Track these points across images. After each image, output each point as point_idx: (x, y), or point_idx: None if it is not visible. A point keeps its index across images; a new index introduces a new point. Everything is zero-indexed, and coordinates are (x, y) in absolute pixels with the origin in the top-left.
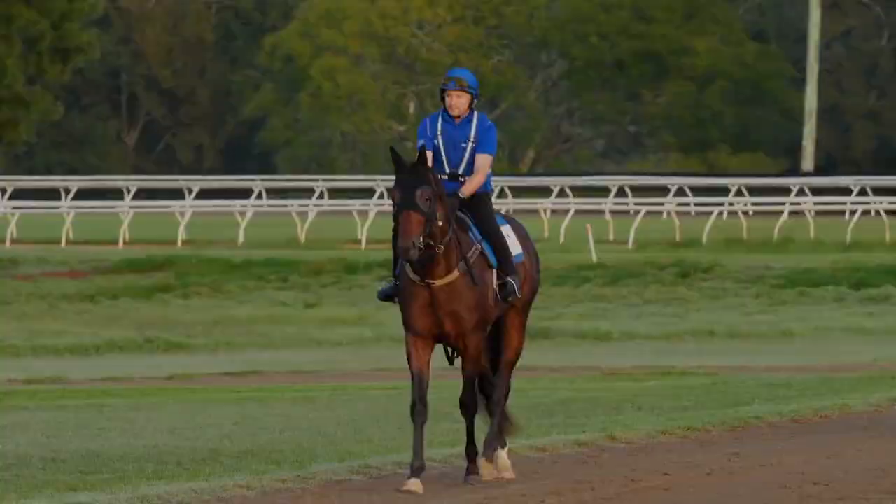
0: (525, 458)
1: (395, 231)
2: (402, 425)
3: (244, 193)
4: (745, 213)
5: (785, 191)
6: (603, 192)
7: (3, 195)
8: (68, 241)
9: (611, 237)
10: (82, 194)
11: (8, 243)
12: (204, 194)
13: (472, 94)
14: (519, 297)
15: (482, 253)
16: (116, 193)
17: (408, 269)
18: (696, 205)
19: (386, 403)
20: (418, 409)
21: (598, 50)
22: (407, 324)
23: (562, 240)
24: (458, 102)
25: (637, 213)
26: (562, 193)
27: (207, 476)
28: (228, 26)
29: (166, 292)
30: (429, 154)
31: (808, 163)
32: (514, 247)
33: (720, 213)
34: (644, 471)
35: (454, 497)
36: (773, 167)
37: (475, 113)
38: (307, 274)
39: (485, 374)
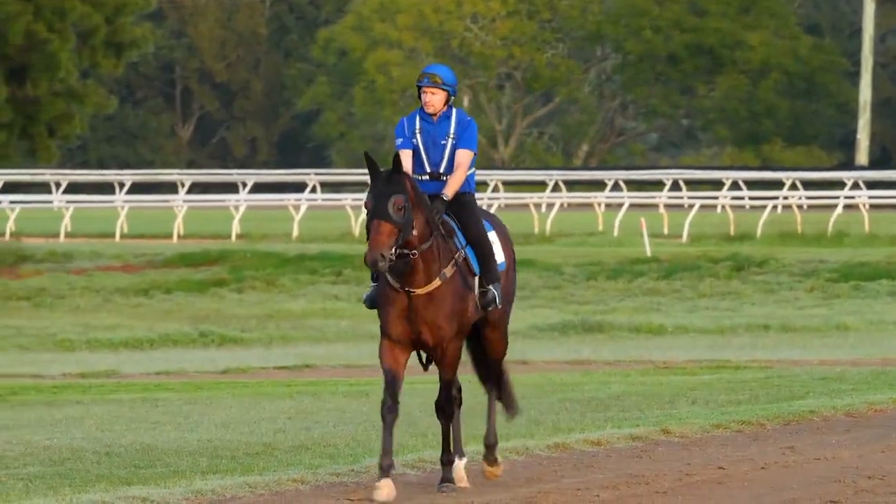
0: (580, 452)
1: (368, 237)
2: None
3: (298, 187)
4: (800, 206)
5: (839, 184)
6: (657, 185)
7: (57, 189)
8: (122, 236)
9: (665, 231)
10: (136, 188)
11: (62, 237)
12: (258, 188)
13: (447, 91)
14: (499, 306)
15: (465, 260)
16: (170, 187)
17: (388, 274)
18: (750, 199)
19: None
20: (388, 405)
21: (652, 44)
22: (384, 329)
23: (616, 233)
24: (433, 100)
25: (691, 206)
26: (616, 187)
27: (261, 470)
28: (282, 20)
29: (220, 286)
30: (408, 153)
31: (862, 156)
32: (499, 254)
33: (774, 207)
34: (698, 465)
35: (504, 491)
36: (827, 161)
37: (453, 109)
38: (361, 268)
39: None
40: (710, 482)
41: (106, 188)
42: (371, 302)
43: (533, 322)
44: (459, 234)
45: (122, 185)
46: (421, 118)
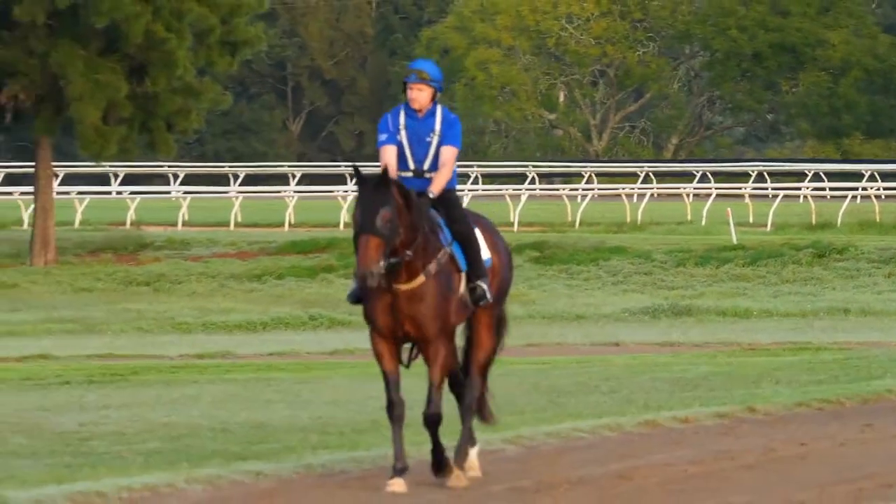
0: (669, 429)
1: (356, 251)
2: (553, 398)
3: None
4: (878, 196)
5: None
6: (743, 177)
7: (175, 181)
8: (236, 225)
9: (750, 220)
10: (249, 180)
11: (180, 226)
12: None
13: (434, 87)
14: (490, 301)
15: (451, 257)
16: (282, 179)
17: None
18: (830, 189)
19: (536, 377)
20: (396, 410)
21: (738, 42)
22: (370, 321)
23: (703, 222)
24: (420, 96)
25: (775, 197)
26: (703, 179)
27: (368, 446)
28: (388, 20)
29: (329, 272)
30: (392, 149)
31: None
32: (485, 250)
33: (854, 198)
34: (781, 441)
35: (598, 466)
36: None
37: (438, 106)
38: None
39: (455, 374)
40: (792, 458)
41: (221, 180)
42: (354, 298)
43: (625, 306)
44: (446, 230)
45: (236, 176)
46: (406, 114)
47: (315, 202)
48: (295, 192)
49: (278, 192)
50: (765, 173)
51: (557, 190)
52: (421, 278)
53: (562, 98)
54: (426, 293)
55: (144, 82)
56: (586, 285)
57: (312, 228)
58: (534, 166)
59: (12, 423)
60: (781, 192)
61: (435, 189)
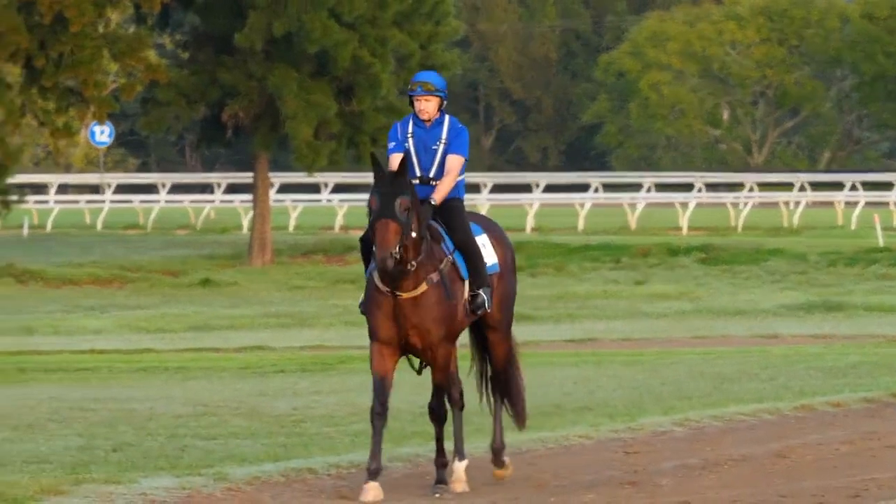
0: (821, 413)
1: (369, 239)
2: (717, 385)
3: (583, 188)
4: None
5: None
6: (888, 186)
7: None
8: None
9: (895, 225)
10: None
11: None
12: (549, 189)
13: (440, 96)
14: (489, 310)
15: (453, 265)
16: (474, 188)
17: (376, 277)
18: None
19: (702, 366)
20: (377, 411)
21: (885, 66)
22: (372, 332)
23: (853, 227)
24: (427, 107)
25: None
26: (853, 188)
27: (552, 428)
28: (570, 46)
29: (517, 272)
30: (399, 157)
31: None
32: (490, 257)
33: None
34: None
35: (758, 445)
36: None
37: (446, 116)
38: (636, 256)
39: (454, 380)
40: None
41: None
42: (365, 307)
43: (782, 302)
44: (447, 239)
45: None
46: (414, 123)
47: (504, 209)
48: (486, 199)
49: (471, 199)
50: None
51: (722, 198)
52: (424, 286)
53: (725, 116)
54: (429, 301)
55: (351, 102)
56: (747, 283)
57: None
58: (700, 177)
59: (233, 408)
60: None
61: (437, 196)
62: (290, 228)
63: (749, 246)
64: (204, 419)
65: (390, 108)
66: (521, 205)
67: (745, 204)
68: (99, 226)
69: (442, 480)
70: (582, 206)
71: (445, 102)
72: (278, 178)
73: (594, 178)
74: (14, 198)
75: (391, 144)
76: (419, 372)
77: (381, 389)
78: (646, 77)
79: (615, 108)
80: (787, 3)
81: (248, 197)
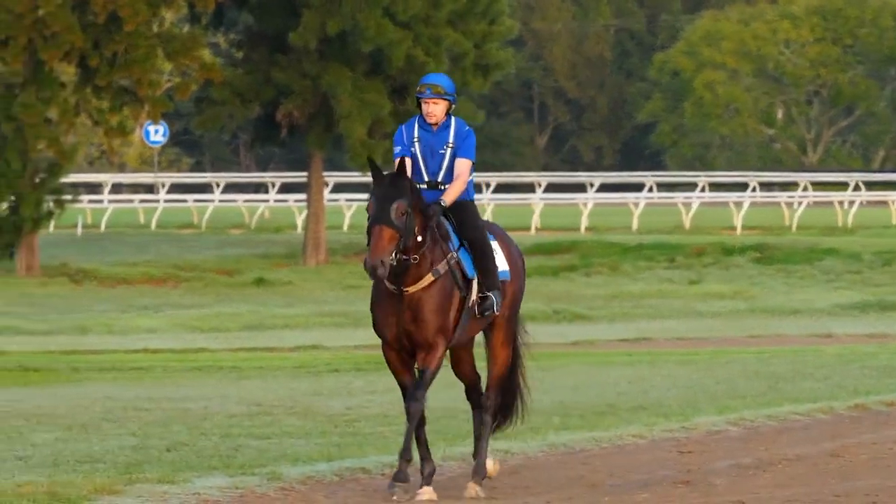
0: (876, 412)
1: (368, 242)
2: (772, 384)
3: (637, 187)
4: None
5: None
6: None
7: None
8: None
9: None
10: (500, 188)
11: None
12: (603, 188)
13: (449, 100)
14: (497, 313)
15: (457, 262)
16: (528, 188)
17: None
18: None
19: (757, 365)
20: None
21: None
22: (378, 333)
23: None
24: (435, 110)
25: None
26: None
27: (606, 427)
28: (624, 45)
29: (571, 271)
30: (407, 161)
31: None
32: (502, 263)
33: None
34: None
35: (812, 445)
36: None
37: (452, 118)
38: (690, 255)
39: (473, 380)
40: None
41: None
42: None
43: (836, 301)
44: (454, 237)
45: (488, 185)
46: (420, 126)
47: (558, 208)
48: (541, 199)
49: (526, 199)
50: None
51: (776, 197)
52: (427, 279)
53: (780, 115)
54: (430, 294)
55: (405, 101)
56: (802, 283)
57: (556, 232)
58: (755, 176)
59: (287, 406)
60: None
61: (448, 199)
62: (345, 228)
63: (803, 245)
64: (258, 418)
65: None
66: (575, 204)
67: (800, 203)
68: (153, 225)
69: (402, 479)
70: (636, 205)
71: (454, 107)
72: (332, 178)
73: (648, 178)
74: (68, 197)
75: (397, 148)
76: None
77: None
78: (700, 76)
79: (669, 108)
80: (842, 3)
81: (302, 196)
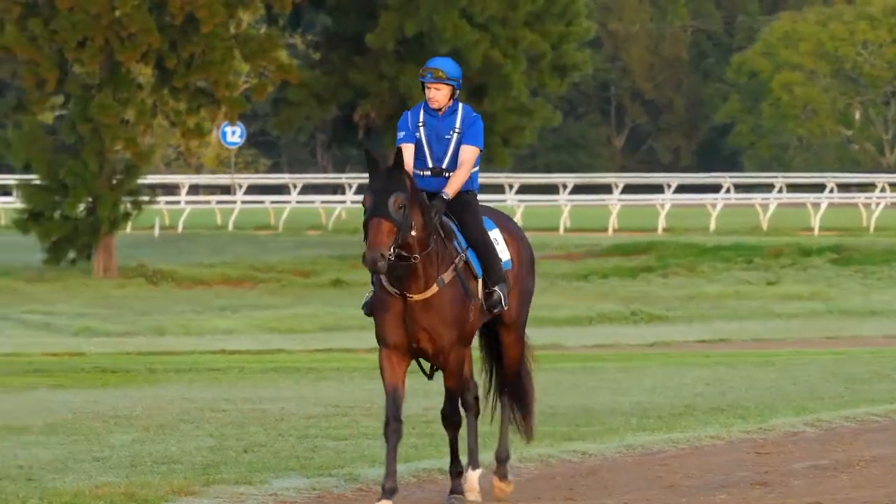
0: None
1: (366, 236)
2: (849, 385)
3: (714, 188)
4: None
5: None
6: None
7: (510, 190)
8: (565, 230)
9: None
10: (577, 189)
11: None
12: (680, 189)
13: (452, 85)
14: (506, 307)
15: (466, 263)
16: (605, 189)
17: (384, 278)
18: None
19: (834, 366)
20: (392, 426)
21: None
22: (379, 336)
23: None
24: (437, 95)
25: None
26: None
27: (683, 428)
28: (701, 46)
29: (649, 272)
30: (410, 147)
31: None
32: (503, 253)
33: None
34: None
35: (889, 447)
36: None
37: (459, 104)
38: (768, 256)
39: (468, 385)
40: None
41: (551, 189)
42: (369, 309)
43: None
44: (459, 236)
45: (565, 186)
46: (425, 111)
47: (635, 209)
48: (618, 200)
49: (603, 200)
50: None
51: (854, 198)
52: (435, 288)
53: (857, 116)
54: (441, 303)
55: (483, 102)
56: (880, 284)
57: (633, 233)
58: (832, 177)
59: (364, 408)
60: None
61: (450, 190)
62: None
63: (881, 246)
64: (335, 420)
65: (522, 108)
66: (652, 205)
67: (877, 204)
68: (230, 226)
69: (457, 490)
70: (714, 206)
71: (458, 91)
72: None
73: (726, 179)
74: (145, 198)
75: (401, 134)
76: (430, 376)
77: (394, 402)
78: (777, 77)
79: (747, 109)
80: None
81: None
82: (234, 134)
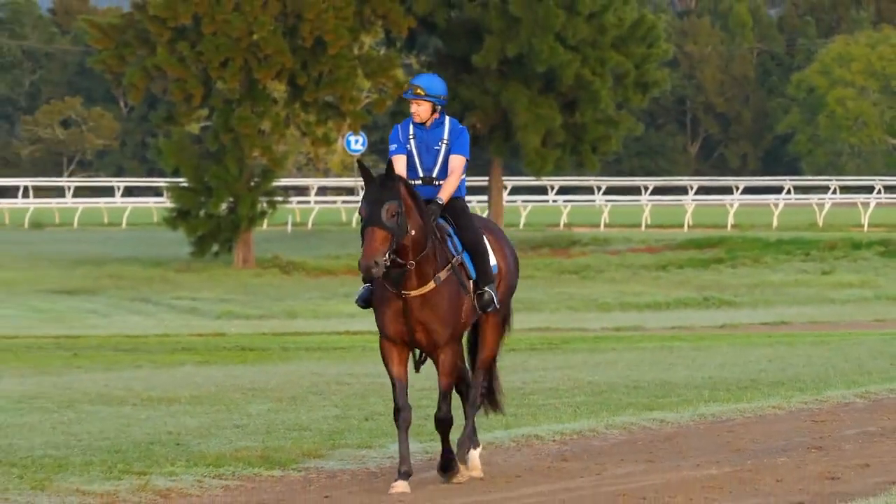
0: None
1: (362, 243)
2: (895, 362)
3: (777, 190)
4: None
5: None
6: None
7: (598, 191)
8: (646, 226)
9: None
10: (656, 191)
11: (602, 227)
12: (747, 191)
13: (432, 101)
14: (498, 307)
15: (461, 265)
16: (681, 190)
17: (383, 278)
18: None
19: (882, 346)
20: (403, 415)
21: None
22: (380, 328)
23: None
24: (419, 110)
25: None
26: None
27: (749, 399)
28: (766, 66)
29: (719, 263)
30: (402, 159)
31: None
32: (491, 257)
33: None
34: None
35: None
36: None
37: (446, 117)
38: (823, 249)
39: (461, 373)
40: None
41: (634, 191)
42: (364, 302)
43: None
44: (455, 238)
45: (646, 188)
46: (413, 125)
47: (708, 208)
48: (692, 200)
49: (679, 200)
50: None
51: None
52: (431, 284)
53: None
54: (437, 299)
55: (575, 115)
56: None
57: (706, 229)
58: (880, 180)
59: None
60: None
61: (444, 196)
62: (521, 226)
63: None
64: None
65: (609, 120)
66: (723, 205)
67: None
68: (354, 223)
69: (448, 468)
70: (776, 206)
71: (440, 107)
72: (510, 182)
73: (787, 182)
74: (279, 199)
75: (392, 147)
76: (417, 369)
77: (401, 391)
78: (832, 93)
79: (806, 120)
80: None
81: (484, 198)
82: (357, 142)
